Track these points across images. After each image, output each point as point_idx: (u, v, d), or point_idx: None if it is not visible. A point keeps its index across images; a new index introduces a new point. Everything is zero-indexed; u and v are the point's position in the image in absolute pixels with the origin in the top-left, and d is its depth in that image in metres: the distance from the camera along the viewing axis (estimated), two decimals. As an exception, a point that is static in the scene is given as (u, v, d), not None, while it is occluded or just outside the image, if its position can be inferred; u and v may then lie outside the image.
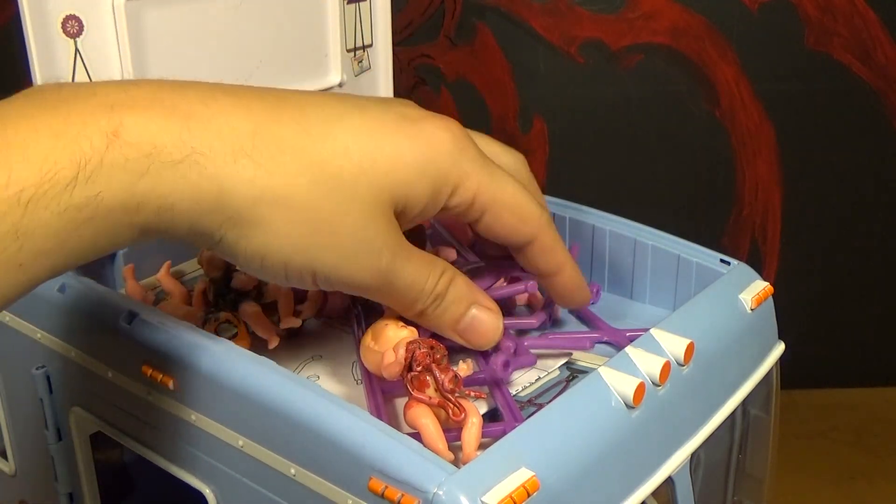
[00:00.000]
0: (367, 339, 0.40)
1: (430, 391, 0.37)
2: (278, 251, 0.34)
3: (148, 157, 0.30)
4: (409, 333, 0.39)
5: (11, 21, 0.50)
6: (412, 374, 0.37)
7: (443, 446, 0.35)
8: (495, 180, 0.39)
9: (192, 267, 0.53)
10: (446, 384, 0.37)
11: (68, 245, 0.30)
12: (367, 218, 0.35)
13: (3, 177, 0.27)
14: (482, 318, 0.40)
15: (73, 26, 0.42)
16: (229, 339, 0.44)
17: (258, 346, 0.47)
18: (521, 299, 0.50)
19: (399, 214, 0.36)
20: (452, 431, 0.37)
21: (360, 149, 0.35)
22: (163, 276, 0.50)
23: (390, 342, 0.38)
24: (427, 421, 0.36)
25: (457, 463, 0.32)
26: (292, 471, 0.34)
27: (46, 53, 0.41)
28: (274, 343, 0.46)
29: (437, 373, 0.37)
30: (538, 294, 0.49)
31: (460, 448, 0.36)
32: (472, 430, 0.36)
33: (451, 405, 0.36)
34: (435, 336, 0.40)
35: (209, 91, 0.33)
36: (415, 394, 0.37)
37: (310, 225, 0.34)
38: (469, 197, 0.38)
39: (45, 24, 0.41)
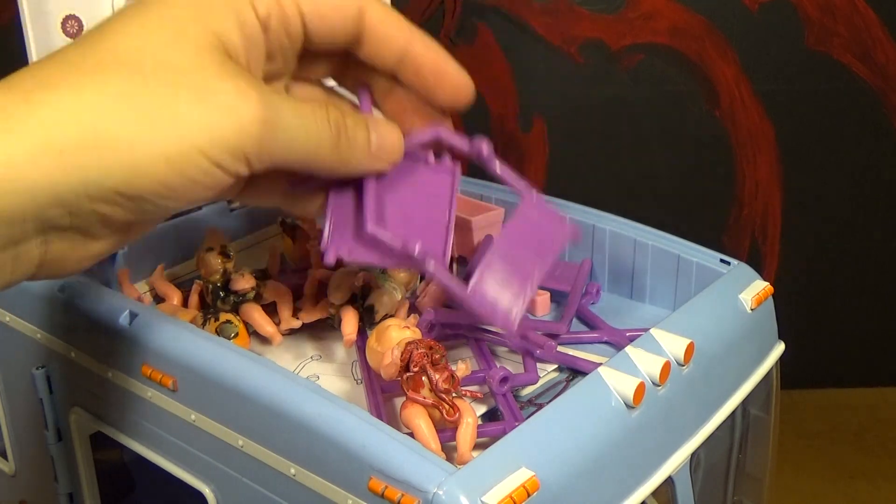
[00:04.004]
0: (372, 340, 0.40)
1: (426, 391, 0.37)
2: None
3: None
4: (411, 334, 0.39)
5: (11, 21, 0.50)
6: (408, 374, 0.37)
7: (435, 447, 0.35)
8: None
9: (185, 270, 0.53)
10: (440, 384, 0.37)
11: None
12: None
13: None
14: (385, 133, 0.36)
15: (73, 26, 0.42)
16: (230, 339, 0.44)
17: (258, 346, 0.47)
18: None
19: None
20: (448, 431, 0.37)
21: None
22: (156, 280, 0.50)
23: (392, 343, 0.39)
24: (420, 421, 0.36)
25: (450, 462, 0.32)
26: (292, 471, 0.35)
27: (46, 53, 0.41)
28: (278, 340, 0.46)
29: (432, 373, 0.37)
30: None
31: (455, 448, 0.36)
32: (467, 430, 0.36)
33: (446, 405, 0.36)
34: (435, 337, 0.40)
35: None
36: (410, 394, 0.37)
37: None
38: None
39: (45, 24, 0.41)
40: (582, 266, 0.52)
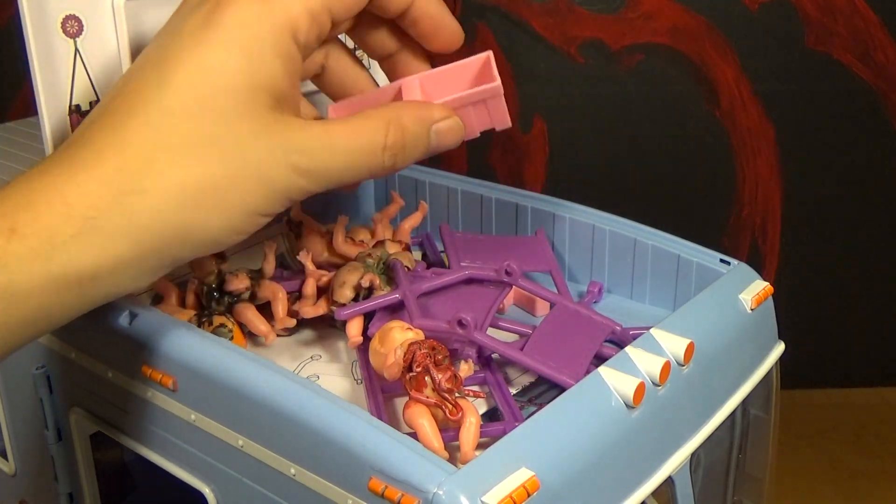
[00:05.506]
0: (375, 342, 0.40)
1: (428, 391, 0.37)
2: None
3: (48, 241, 0.32)
4: (413, 335, 0.39)
5: (11, 21, 0.50)
6: (411, 374, 0.37)
7: (438, 445, 0.35)
8: None
9: (182, 270, 0.52)
10: (443, 384, 0.37)
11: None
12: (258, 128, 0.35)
13: None
14: (445, 131, 0.39)
15: (72, 26, 0.42)
16: (226, 340, 0.44)
17: (254, 347, 0.47)
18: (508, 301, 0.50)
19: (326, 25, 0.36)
20: (451, 431, 0.37)
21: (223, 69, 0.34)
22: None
23: (395, 344, 0.39)
24: (423, 420, 0.36)
25: (454, 462, 0.32)
26: (292, 471, 0.35)
27: (46, 53, 0.41)
28: (271, 339, 0.46)
29: (435, 373, 0.37)
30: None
31: (458, 448, 0.36)
32: (470, 429, 0.36)
33: (448, 405, 0.36)
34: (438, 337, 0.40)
35: (68, 157, 0.34)
36: (413, 394, 0.37)
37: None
38: None
39: (45, 24, 0.41)
40: (538, 238, 0.52)
